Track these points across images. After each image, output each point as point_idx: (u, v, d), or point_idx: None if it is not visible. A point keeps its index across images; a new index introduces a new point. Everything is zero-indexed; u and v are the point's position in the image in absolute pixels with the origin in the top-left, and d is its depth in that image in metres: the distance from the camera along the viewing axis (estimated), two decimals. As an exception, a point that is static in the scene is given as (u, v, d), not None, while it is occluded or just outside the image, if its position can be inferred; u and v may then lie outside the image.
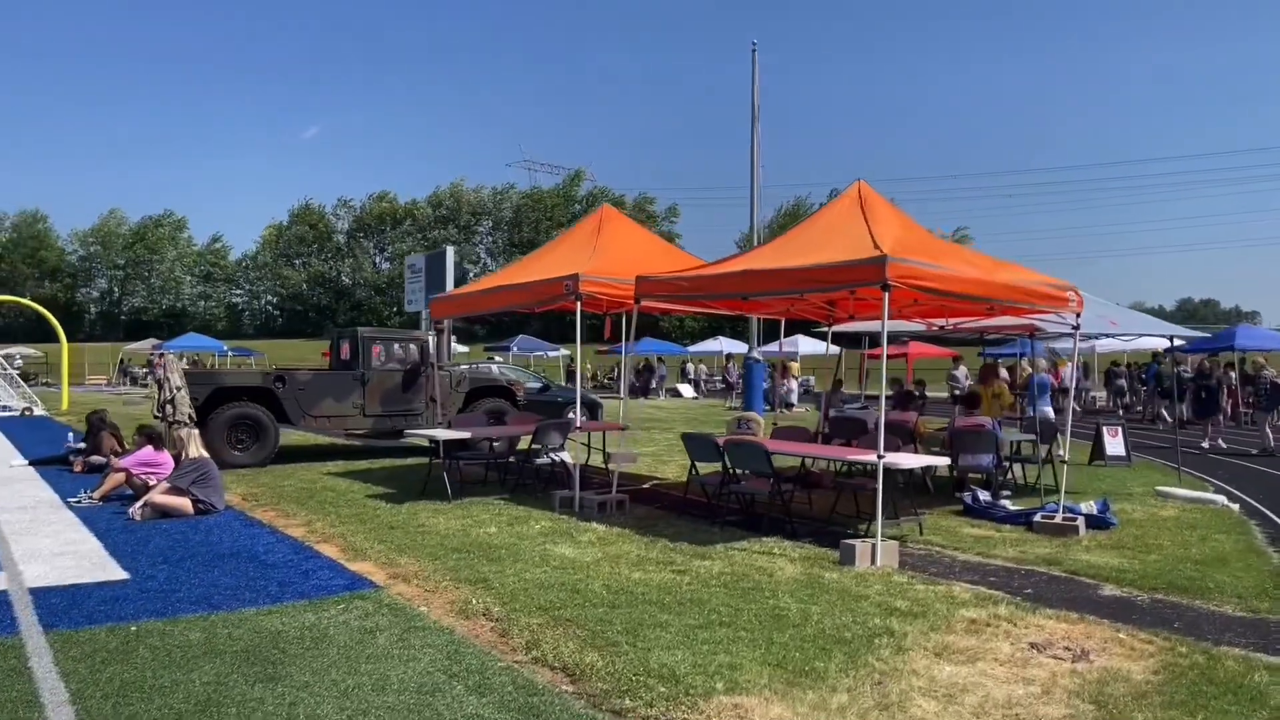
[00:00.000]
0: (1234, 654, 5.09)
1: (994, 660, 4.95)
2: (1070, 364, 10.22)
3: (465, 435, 9.71)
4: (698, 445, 8.83)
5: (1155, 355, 24.85)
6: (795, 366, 38.96)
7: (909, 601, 6.01)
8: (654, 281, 9.00)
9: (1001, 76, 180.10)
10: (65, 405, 27.07)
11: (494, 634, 5.32)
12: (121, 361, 51.33)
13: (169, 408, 11.53)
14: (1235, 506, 10.05)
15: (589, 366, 45.32)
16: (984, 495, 9.46)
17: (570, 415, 19.31)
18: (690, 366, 40.31)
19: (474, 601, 5.89)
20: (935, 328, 10.91)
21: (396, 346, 13.25)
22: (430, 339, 13.84)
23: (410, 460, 12.99)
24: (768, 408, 30.47)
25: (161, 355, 49.63)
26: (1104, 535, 8.36)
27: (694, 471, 9.08)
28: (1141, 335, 11.60)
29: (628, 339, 9.87)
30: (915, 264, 7.23)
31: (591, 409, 19.30)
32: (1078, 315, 8.88)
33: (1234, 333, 25.07)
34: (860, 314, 10.60)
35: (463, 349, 49.25)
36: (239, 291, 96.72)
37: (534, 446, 9.93)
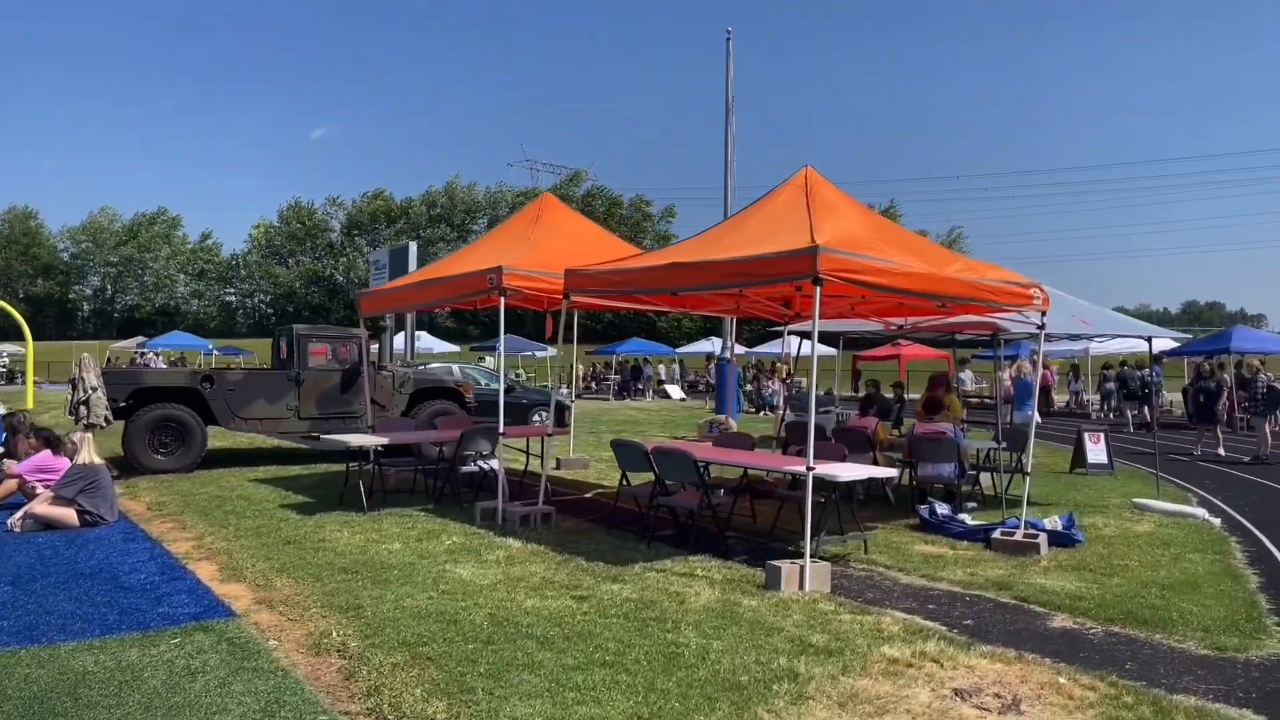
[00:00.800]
0: (1188, 705, 4.39)
1: (906, 712, 4.25)
2: (1035, 366, 9.47)
3: (383, 441, 9.01)
4: (627, 453, 8.13)
5: (1154, 358, 23.98)
6: (784, 368, 38.16)
7: (828, 635, 5.31)
8: (583, 275, 8.30)
9: (1004, 77, 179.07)
10: (30, 404, 26.40)
11: (339, 675, 4.63)
12: (109, 360, 50.74)
13: (83, 409, 10.85)
14: (1217, 521, 9.32)
15: (580, 367, 44.68)
16: (943, 509, 8.75)
17: (536, 418, 18.66)
18: (663, 368, 39.33)
19: (334, 634, 5.20)
20: (893, 327, 10.20)
21: (335, 345, 12.55)
22: (382, 336, 13.14)
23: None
24: (750, 409, 29.82)
25: (144, 354, 48.79)
26: (1067, 554, 7.65)
27: (625, 482, 8.38)
28: (1116, 336, 10.86)
29: (561, 336, 9.15)
30: (851, 256, 6.53)
31: (559, 411, 18.56)
32: (1043, 314, 8.16)
33: (1230, 334, 24.34)
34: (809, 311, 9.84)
35: (453, 348, 48.57)
36: (231, 290, 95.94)
37: (461, 453, 9.24)
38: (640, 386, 36.35)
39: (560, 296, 8.64)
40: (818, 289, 6.43)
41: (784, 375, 36.69)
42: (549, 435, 9.10)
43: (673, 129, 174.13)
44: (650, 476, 8.07)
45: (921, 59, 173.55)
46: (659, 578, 6.56)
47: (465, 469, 9.42)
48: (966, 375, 23.05)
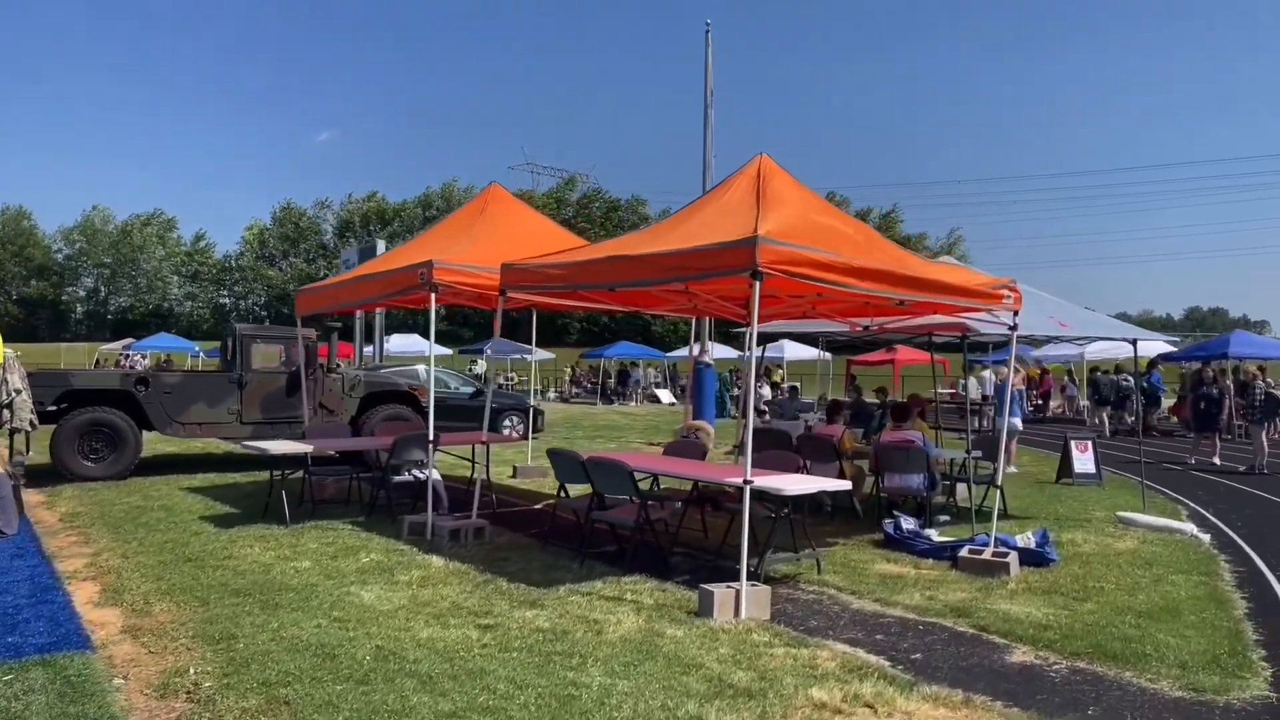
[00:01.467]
0: (1154, 765, 3.77)
1: (822, 774, 3.63)
2: (1008, 371, 8.79)
3: (307, 448, 8.40)
4: (562, 463, 7.51)
5: (1151, 363, 23.42)
6: (779, 372, 37.54)
7: (753, 674, 4.69)
8: (520, 270, 7.69)
9: (1003, 80, 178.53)
10: (0, 407, 25.80)
11: (176, 723, 4.02)
12: (97, 363, 50.16)
13: (5, 413, 10.23)
14: (1206, 537, 8.69)
15: (572, 370, 44.19)
16: (909, 523, 8.12)
17: (507, 423, 18.04)
18: (651, 371, 38.55)
19: (191, 671, 4.59)
20: (859, 328, 9.57)
21: (280, 346, 11.94)
22: (331, 337, 12.53)
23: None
24: (737, 414, 29.13)
25: (128, 355, 48.01)
26: (1039, 574, 7.03)
27: (563, 494, 7.77)
28: (1097, 339, 10.24)
29: (497, 332, 8.55)
30: (794, 248, 5.93)
31: (531, 416, 17.94)
32: (1015, 314, 7.54)
33: (1228, 339, 23.67)
34: (770, 310, 9.22)
35: (444, 351, 47.92)
36: (225, 293, 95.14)
37: (395, 462, 8.63)
38: (626, 391, 35.67)
39: (495, 292, 8.04)
40: (757, 284, 5.83)
41: (776, 379, 36.21)
42: (483, 442, 8.48)
43: (677, 131, 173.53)
44: (589, 488, 7.47)
45: (922, 61, 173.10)
46: (582, 602, 5.94)
47: (399, 478, 8.81)
48: (972, 382, 21.83)
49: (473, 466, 9.43)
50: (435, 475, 8.45)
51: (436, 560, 7.02)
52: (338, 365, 14.25)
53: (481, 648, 5.00)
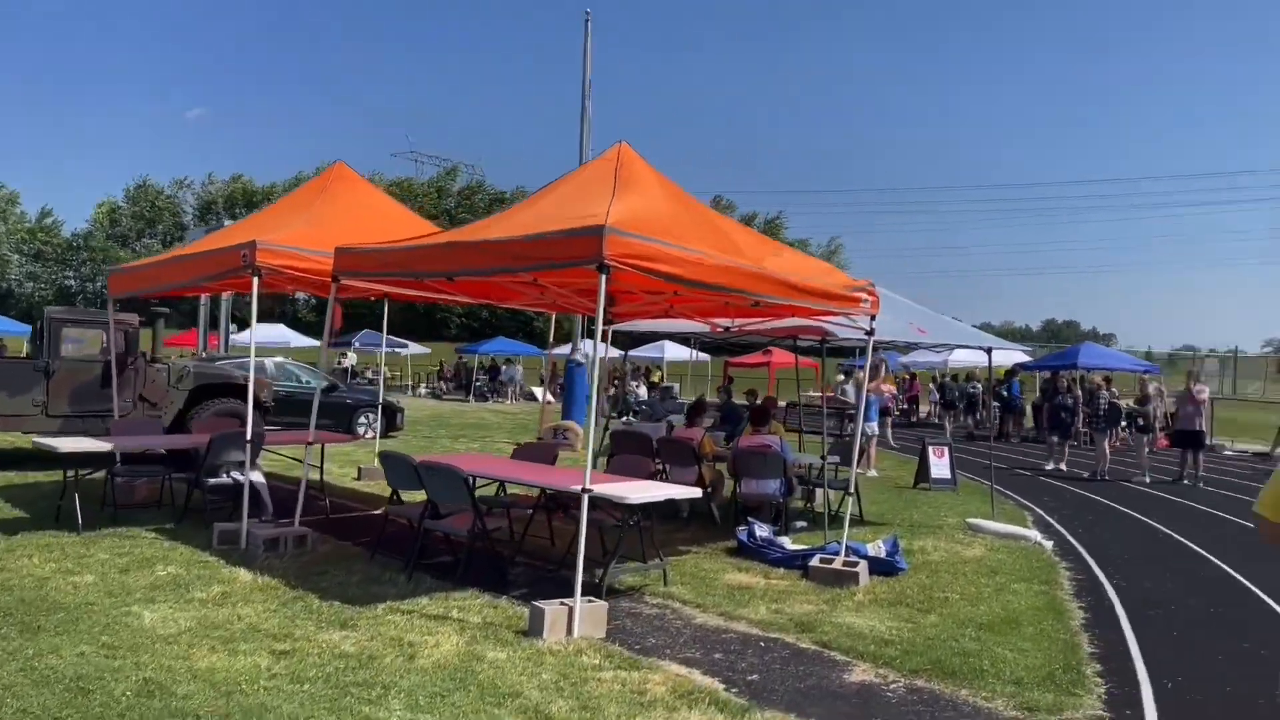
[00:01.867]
0: (984, 799, 3.54)
1: (631, 824, 3.23)
2: (863, 376, 8.76)
3: (105, 446, 7.51)
4: (394, 467, 6.93)
5: (1010, 371, 24.43)
6: (658, 372, 37.51)
7: (574, 703, 4.27)
8: (354, 254, 7.05)
9: (895, 92, 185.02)
10: None
11: None
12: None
13: None
14: (1049, 544, 8.84)
15: (441, 365, 42.95)
16: (763, 530, 7.90)
17: (363, 420, 17.12)
18: (515, 368, 37.30)
19: (-101, 714, 3.82)
20: (719, 329, 9.33)
21: (96, 333, 10.79)
22: (156, 324, 11.43)
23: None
24: (612, 414, 28.85)
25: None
26: (887, 585, 6.89)
27: (395, 499, 7.18)
28: (956, 346, 10.36)
29: (338, 326, 7.90)
30: (646, 241, 5.55)
31: (390, 414, 17.08)
32: (872, 319, 7.40)
33: (1078, 350, 24.94)
34: (627, 307, 8.87)
35: (314, 343, 45.78)
36: (71, 273, 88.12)
37: (212, 463, 7.82)
38: (499, 388, 34.83)
39: (328, 278, 7.37)
40: (603, 277, 5.42)
41: (654, 379, 36.16)
42: (310, 443, 7.78)
43: (570, 128, 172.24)
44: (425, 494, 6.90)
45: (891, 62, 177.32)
46: (401, 622, 5.39)
47: (218, 480, 7.98)
48: (850, 387, 21.71)
49: (305, 468, 8.69)
50: (257, 477, 7.71)
51: (244, 574, 6.31)
52: (192, 355, 13.09)
53: (270, 679, 4.39)
